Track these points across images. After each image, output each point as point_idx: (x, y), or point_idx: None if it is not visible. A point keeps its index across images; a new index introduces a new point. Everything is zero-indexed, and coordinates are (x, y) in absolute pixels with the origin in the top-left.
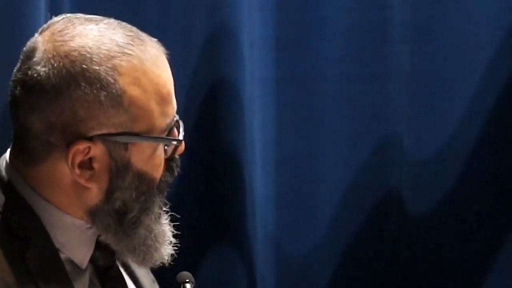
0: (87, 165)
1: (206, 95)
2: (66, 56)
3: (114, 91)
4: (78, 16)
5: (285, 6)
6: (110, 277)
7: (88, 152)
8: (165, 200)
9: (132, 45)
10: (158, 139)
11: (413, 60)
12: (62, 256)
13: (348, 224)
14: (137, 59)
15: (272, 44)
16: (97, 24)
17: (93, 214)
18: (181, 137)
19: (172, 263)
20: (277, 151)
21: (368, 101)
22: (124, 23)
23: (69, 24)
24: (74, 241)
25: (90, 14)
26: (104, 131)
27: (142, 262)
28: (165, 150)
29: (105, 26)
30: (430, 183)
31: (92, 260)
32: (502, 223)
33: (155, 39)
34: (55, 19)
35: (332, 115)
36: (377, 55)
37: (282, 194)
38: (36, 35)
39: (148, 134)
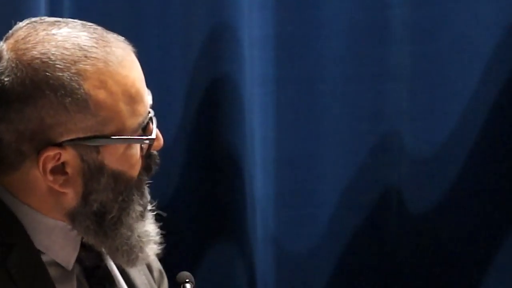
0: (60, 170)
1: (206, 94)
2: (29, 65)
3: (79, 96)
4: (42, 21)
5: (285, 5)
6: (97, 277)
7: (59, 158)
8: (148, 198)
9: (96, 47)
10: (128, 139)
11: (413, 60)
12: (47, 258)
13: (348, 223)
14: (102, 62)
15: (272, 44)
16: (60, 29)
17: (72, 217)
18: (153, 135)
19: (172, 262)
20: (277, 150)
21: (368, 101)
22: (89, 24)
23: (32, 31)
24: (58, 243)
25: (91, 14)
26: (73, 136)
27: (127, 263)
28: (141, 148)
29: (69, 30)
30: (429, 182)
31: (79, 261)
32: (501, 222)
33: (122, 38)
34: (19, 24)
35: (332, 115)
36: (377, 55)
37: (282, 194)
38: (1, 42)
39: (119, 135)
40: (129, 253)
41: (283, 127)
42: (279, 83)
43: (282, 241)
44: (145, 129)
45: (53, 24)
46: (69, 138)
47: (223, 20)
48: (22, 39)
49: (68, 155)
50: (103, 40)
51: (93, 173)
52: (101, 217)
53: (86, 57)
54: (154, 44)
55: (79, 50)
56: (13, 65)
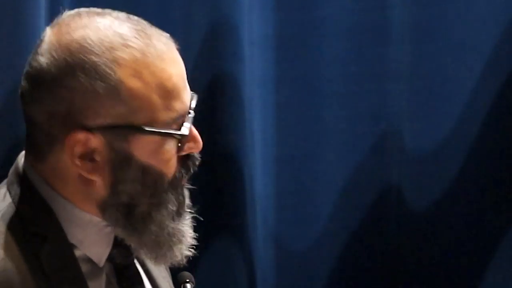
0: (89, 157)
1: (206, 94)
2: (67, 47)
3: (111, 82)
4: (89, 10)
5: (285, 5)
6: (127, 276)
7: (88, 143)
8: (187, 200)
9: (137, 38)
10: (157, 132)
11: (413, 60)
12: (79, 253)
13: (348, 222)
14: (140, 52)
15: (272, 44)
16: (103, 17)
17: (103, 209)
18: (185, 131)
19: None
20: (277, 150)
21: (368, 101)
22: (135, 18)
23: (76, 18)
24: (92, 238)
25: None
26: (103, 122)
27: (155, 260)
28: (179, 146)
29: (112, 19)
30: (429, 181)
31: (109, 258)
32: (501, 221)
33: (166, 34)
34: (67, 12)
35: (332, 115)
36: (377, 55)
37: (282, 193)
38: (47, 28)
39: (149, 127)
40: (157, 251)
41: (283, 127)
42: (279, 83)
43: (282, 240)
44: (181, 127)
45: (98, 13)
46: (98, 123)
47: (223, 20)
48: (66, 24)
49: (97, 141)
50: (145, 33)
51: (122, 162)
52: (130, 210)
53: (124, 45)
54: None
55: (119, 38)
56: (52, 47)
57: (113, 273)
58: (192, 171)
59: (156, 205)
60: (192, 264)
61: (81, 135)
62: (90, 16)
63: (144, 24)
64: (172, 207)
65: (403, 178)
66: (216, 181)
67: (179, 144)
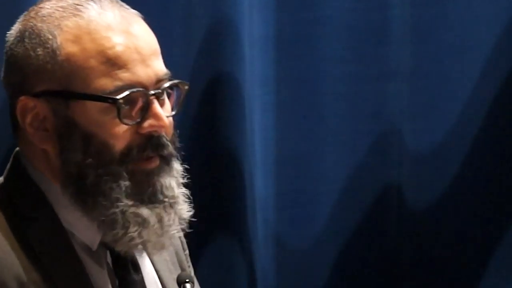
0: (40, 125)
1: (206, 94)
2: (25, 17)
3: (51, 46)
4: None
5: (286, 5)
6: (122, 262)
7: (36, 110)
8: (159, 188)
9: (90, 9)
10: (91, 96)
11: (413, 60)
12: (74, 236)
13: (348, 221)
14: (86, 20)
15: (272, 44)
16: None
17: (61, 182)
18: (121, 96)
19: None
20: (277, 149)
21: (368, 101)
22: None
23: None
24: (82, 220)
25: None
26: (46, 87)
27: (114, 243)
28: (119, 114)
29: None
30: (429, 181)
31: (106, 244)
32: (501, 220)
33: (136, 12)
34: None
35: (332, 114)
36: (377, 55)
37: (282, 193)
38: None
39: (89, 93)
40: (110, 229)
41: (283, 126)
42: (279, 83)
43: (282, 240)
44: (133, 101)
45: None
46: (43, 89)
47: (224, 20)
48: (37, 4)
49: (43, 108)
50: (103, 6)
51: (66, 130)
52: (80, 181)
53: (74, 14)
54: None
55: (72, 9)
56: (17, 24)
57: (109, 258)
58: (149, 151)
59: (104, 176)
60: (192, 263)
61: (28, 102)
62: None
63: (113, 2)
64: (124, 182)
65: (403, 177)
66: (216, 181)
67: (119, 111)
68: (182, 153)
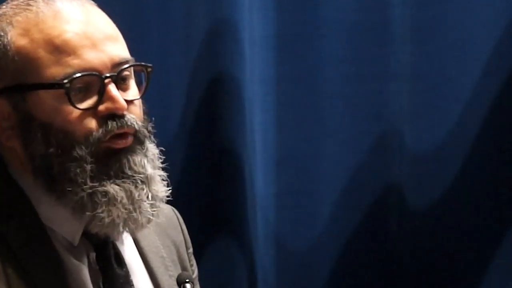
0: (6, 124)
1: (207, 94)
2: None
3: (2, 43)
4: None
5: (286, 5)
6: (104, 256)
7: None
8: (125, 163)
9: (37, 1)
10: (42, 85)
11: (413, 60)
12: (53, 232)
13: (349, 221)
14: (34, 13)
15: (272, 44)
16: None
17: (33, 177)
18: (68, 79)
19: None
20: (278, 149)
21: (369, 101)
22: None
23: None
24: (62, 215)
25: None
26: (2, 85)
27: (89, 227)
28: (70, 99)
29: None
30: (430, 180)
31: (88, 237)
32: (501, 220)
33: (90, 3)
34: None
35: (333, 114)
36: (378, 55)
37: (282, 193)
38: None
39: (40, 83)
40: (82, 213)
41: (284, 126)
42: (279, 83)
43: (282, 240)
44: (86, 87)
45: None
46: (1, 86)
47: (224, 20)
48: None
49: (5, 106)
50: None
51: (26, 124)
52: (47, 173)
53: (24, 9)
54: (154, 43)
55: (24, 5)
56: None
57: (93, 252)
58: (109, 130)
59: (67, 163)
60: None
61: None
62: None
63: None
64: (88, 165)
65: (404, 177)
66: (216, 181)
67: (69, 97)
68: (162, 148)
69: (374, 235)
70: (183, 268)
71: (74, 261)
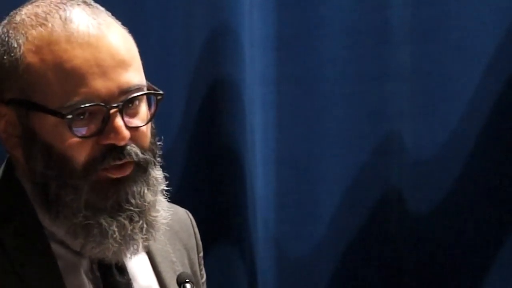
0: (13, 132)
1: (207, 95)
2: (3, 23)
3: (15, 55)
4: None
5: (286, 6)
6: (105, 263)
7: (6, 116)
8: (123, 197)
9: (54, 17)
10: (45, 110)
11: (413, 60)
12: (55, 237)
13: (349, 223)
14: (49, 31)
15: (272, 44)
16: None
17: (32, 189)
18: (70, 114)
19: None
20: (278, 150)
21: (368, 101)
22: (94, 4)
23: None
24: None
25: None
26: (12, 96)
27: (81, 250)
28: (70, 129)
29: (56, 1)
30: (430, 182)
31: None
32: (502, 222)
33: (111, 20)
34: None
35: (333, 115)
36: (377, 55)
37: (282, 194)
38: None
39: (44, 105)
40: (74, 237)
41: (284, 127)
42: (279, 83)
43: (282, 241)
44: (90, 115)
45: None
46: (10, 97)
47: (224, 21)
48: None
49: (12, 115)
50: (72, 15)
51: (28, 139)
52: (44, 190)
53: (41, 24)
54: (155, 45)
55: (41, 18)
56: None
57: (96, 262)
58: (108, 162)
59: (64, 188)
60: None
61: (1, 108)
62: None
63: (89, 8)
64: (84, 194)
65: (404, 179)
66: (216, 181)
67: (70, 128)
68: (161, 161)
69: (374, 236)
70: (193, 272)
71: (73, 266)
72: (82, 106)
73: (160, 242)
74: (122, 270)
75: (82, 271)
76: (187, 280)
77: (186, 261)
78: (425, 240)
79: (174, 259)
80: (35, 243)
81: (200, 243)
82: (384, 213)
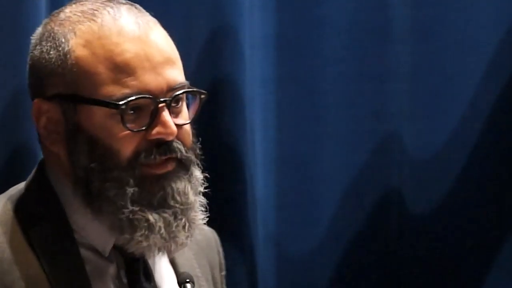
0: (53, 128)
1: (207, 95)
2: (46, 22)
3: (62, 50)
4: None
5: (286, 5)
6: (135, 269)
7: (49, 113)
8: (167, 191)
9: (106, 15)
10: (97, 101)
11: (413, 60)
12: (83, 240)
13: (349, 223)
14: (99, 25)
15: (272, 44)
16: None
17: (73, 185)
18: (123, 102)
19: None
20: (278, 150)
21: (368, 101)
22: (131, 4)
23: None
24: (96, 227)
25: None
26: (56, 91)
27: (123, 244)
28: (123, 120)
29: (102, 0)
30: (430, 182)
31: (120, 250)
32: (502, 223)
33: (151, 19)
34: None
35: (333, 115)
36: (377, 55)
37: (282, 194)
38: None
39: (94, 98)
40: (119, 234)
41: (284, 127)
42: (279, 83)
43: (282, 241)
44: (140, 109)
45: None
46: (54, 92)
47: (224, 21)
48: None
49: (55, 111)
50: (120, 11)
51: (73, 133)
52: (87, 185)
53: (89, 19)
54: None
55: (89, 14)
56: (39, 28)
57: (122, 265)
58: (155, 158)
59: (108, 182)
60: None
61: (42, 105)
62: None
63: (132, 7)
64: (130, 188)
65: (404, 179)
66: (216, 182)
67: (122, 119)
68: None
69: (374, 237)
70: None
71: (101, 272)
72: (134, 97)
73: (186, 256)
74: (149, 277)
75: (109, 277)
76: (188, 280)
77: (210, 278)
78: (425, 240)
79: (199, 274)
80: (65, 246)
81: (223, 261)
82: (384, 213)
